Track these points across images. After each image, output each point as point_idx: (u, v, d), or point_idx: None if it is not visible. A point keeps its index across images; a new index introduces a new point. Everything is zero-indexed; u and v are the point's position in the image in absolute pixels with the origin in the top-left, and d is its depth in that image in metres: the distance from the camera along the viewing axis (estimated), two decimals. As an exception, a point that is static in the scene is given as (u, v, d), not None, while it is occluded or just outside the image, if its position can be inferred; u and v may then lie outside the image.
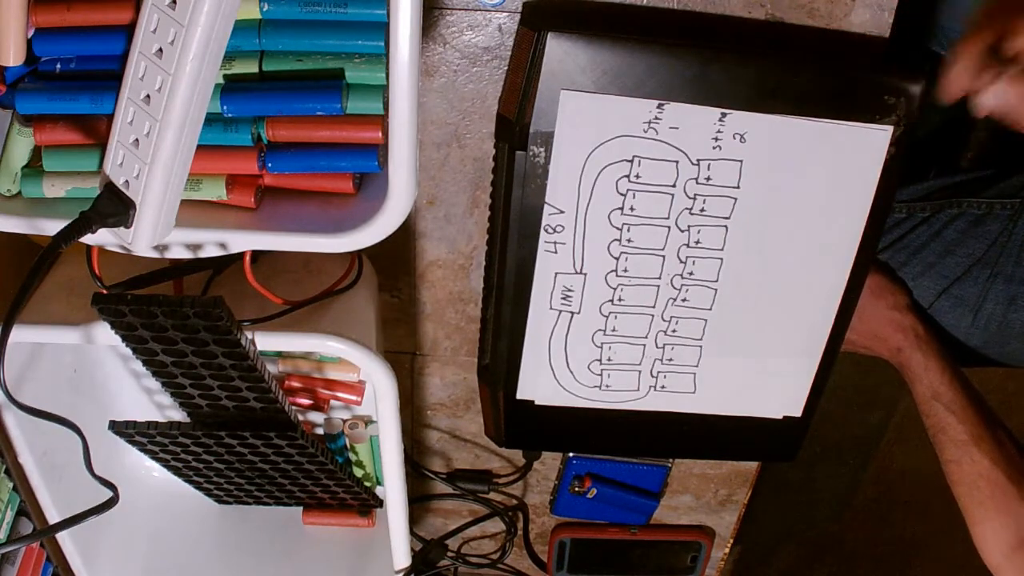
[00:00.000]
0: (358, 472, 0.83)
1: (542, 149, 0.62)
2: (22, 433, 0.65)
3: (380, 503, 0.85)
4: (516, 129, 0.62)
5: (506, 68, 0.65)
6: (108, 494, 0.58)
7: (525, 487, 0.93)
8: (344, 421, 0.80)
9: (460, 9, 0.63)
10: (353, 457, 0.82)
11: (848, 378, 1.55)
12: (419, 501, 0.93)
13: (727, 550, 0.99)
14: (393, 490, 0.71)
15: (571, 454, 0.88)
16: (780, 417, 0.76)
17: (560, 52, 0.59)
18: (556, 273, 0.67)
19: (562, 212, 0.65)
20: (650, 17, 0.63)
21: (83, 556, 0.74)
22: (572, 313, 0.69)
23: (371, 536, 0.85)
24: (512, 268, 0.67)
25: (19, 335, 0.53)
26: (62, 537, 0.73)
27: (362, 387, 0.76)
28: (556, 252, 0.66)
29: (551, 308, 0.69)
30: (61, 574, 0.76)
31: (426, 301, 0.78)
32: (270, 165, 0.57)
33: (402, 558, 0.77)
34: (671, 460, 0.89)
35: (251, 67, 0.55)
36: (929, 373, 0.76)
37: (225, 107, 0.55)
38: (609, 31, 0.59)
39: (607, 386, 0.73)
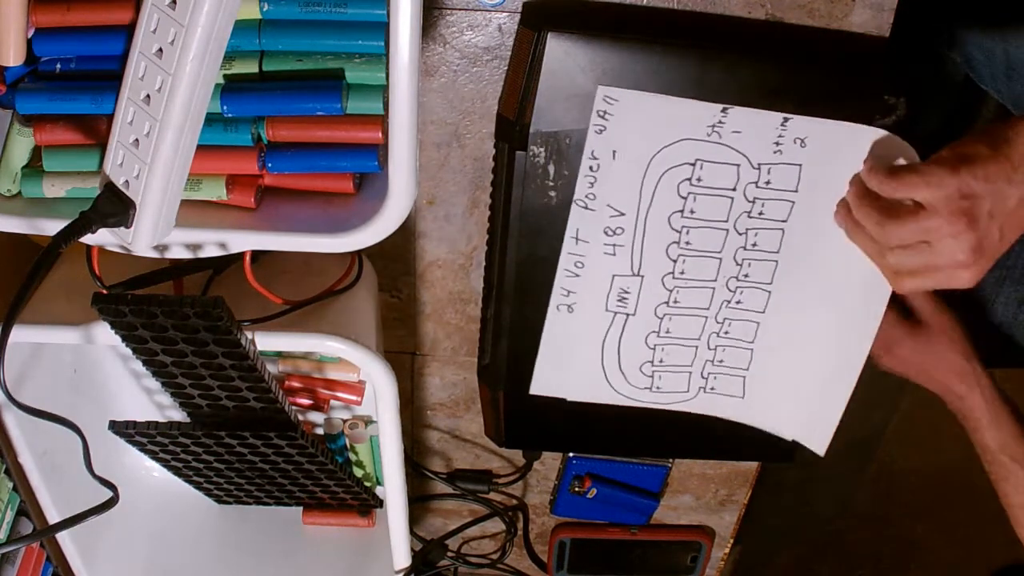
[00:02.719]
0: (358, 472, 0.83)
1: (542, 149, 0.62)
2: (22, 433, 0.65)
3: (380, 503, 0.85)
4: (516, 129, 0.62)
5: (506, 68, 0.65)
6: (108, 494, 0.58)
7: (525, 487, 0.93)
8: (344, 421, 0.80)
9: (460, 9, 0.63)
10: (353, 457, 0.82)
11: (848, 378, 1.54)
12: (419, 501, 0.93)
13: (727, 550, 0.99)
14: (393, 490, 0.71)
15: (571, 454, 0.88)
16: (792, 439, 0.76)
17: (560, 52, 0.59)
18: (614, 275, 0.67)
19: (623, 215, 0.65)
20: (650, 17, 0.63)
21: (83, 556, 0.74)
22: (627, 315, 0.69)
23: (371, 536, 0.85)
24: (512, 268, 0.67)
25: (19, 335, 0.53)
26: (62, 537, 0.73)
27: (362, 387, 0.76)
28: (615, 255, 0.66)
29: (607, 310, 0.69)
30: (61, 574, 0.76)
31: (426, 301, 0.78)
32: (270, 165, 0.57)
33: (402, 558, 0.77)
34: (671, 460, 0.89)
35: (251, 67, 0.55)
36: (996, 428, 0.73)
37: (225, 107, 0.55)
38: (609, 31, 0.59)
39: (657, 388, 0.73)
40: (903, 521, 1.78)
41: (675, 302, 0.69)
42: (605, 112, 0.61)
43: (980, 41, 0.81)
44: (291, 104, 0.55)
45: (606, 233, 0.65)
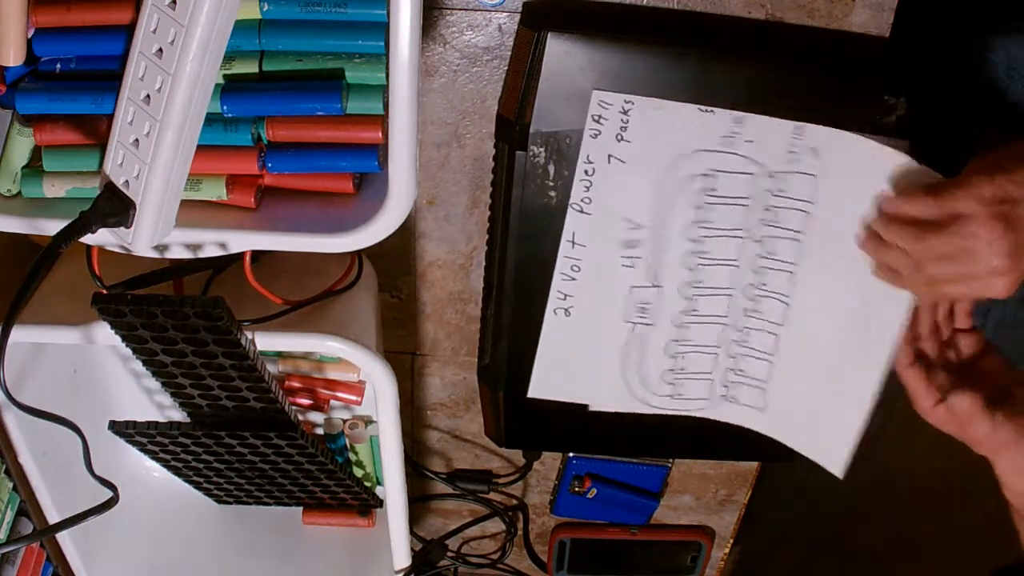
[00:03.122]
0: (358, 472, 0.83)
1: (542, 149, 0.62)
2: (22, 433, 0.65)
3: (380, 503, 0.85)
4: (516, 129, 0.62)
5: (506, 68, 0.65)
6: (108, 494, 0.58)
7: (525, 487, 0.93)
8: (344, 421, 0.80)
9: (460, 9, 0.63)
10: (353, 457, 0.82)
11: (848, 378, 1.54)
12: (419, 501, 0.93)
13: (727, 550, 0.99)
14: (393, 490, 0.71)
15: (571, 454, 0.88)
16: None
17: (560, 52, 0.59)
18: (632, 287, 0.67)
19: (640, 227, 0.65)
20: (650, 17, 0.63)
21: (83, 556, 0.74)
22: (647, 325, 0.69)
23: (371, 536, 0.85)
24: (512, 268, 0.67)
25: (19, 335, 0.53)
26: (62, 537, 0.73)
27: (362, 387, 0.76)
28: (633, 266, 0.66)
29: (626, 321, 0.69)
30: (61, 574, 0.76)
31: (426, 301, 0.78)
32: (270, 165, 0.57)
33: (402, 558, 0.77)
34: (671, 460, 0.89)
35: (251, 67, 0.55)
36: None
37: (225, 107, 0.55)
38: (609, 31, 0.59)
39: (679, 395, 0.73)
40: (903, 521, 1.78)
41: (694, 311, 0.69)
42: (600, 116, 0.61)
43: (980, 41, 0.81)
44: (291, 104, 0.55)
45: (624, 245, 0.66)
